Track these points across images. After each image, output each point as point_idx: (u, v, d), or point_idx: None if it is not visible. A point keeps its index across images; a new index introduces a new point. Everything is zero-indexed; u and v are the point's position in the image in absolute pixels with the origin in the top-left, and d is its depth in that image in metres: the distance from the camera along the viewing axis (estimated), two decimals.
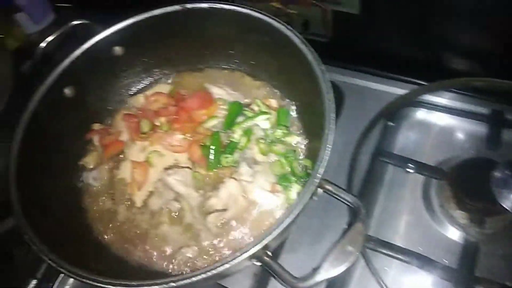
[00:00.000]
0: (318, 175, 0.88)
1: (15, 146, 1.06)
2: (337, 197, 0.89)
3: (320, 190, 0.91)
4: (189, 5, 1.21)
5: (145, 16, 1.22)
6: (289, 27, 1.11)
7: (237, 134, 1.16)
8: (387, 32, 1.35)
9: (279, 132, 1.17)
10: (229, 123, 1.20)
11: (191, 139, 1.20)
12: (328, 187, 0.90)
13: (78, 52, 1.19)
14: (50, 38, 1.25)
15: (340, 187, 0.90)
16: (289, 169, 1.12)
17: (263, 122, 1.19)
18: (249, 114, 1.20)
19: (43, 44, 1.24)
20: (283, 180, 1.10)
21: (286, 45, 1.12)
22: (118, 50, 1.26)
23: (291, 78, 1.21)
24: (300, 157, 1.16)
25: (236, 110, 1.21)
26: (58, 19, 1.89)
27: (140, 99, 1.31)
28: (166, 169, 1.16)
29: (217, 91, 1.28)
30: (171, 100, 1.26)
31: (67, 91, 1.20)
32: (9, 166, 1.03)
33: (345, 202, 0.89)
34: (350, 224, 0.84)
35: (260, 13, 1.15)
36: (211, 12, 1.21)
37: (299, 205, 0.86)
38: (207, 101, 1.24)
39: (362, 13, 1.31)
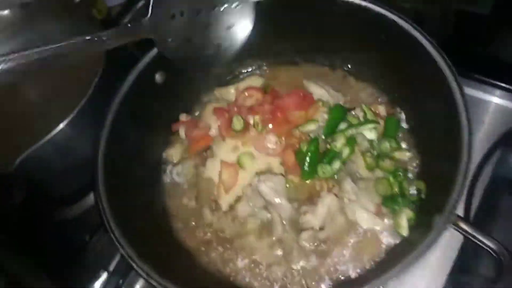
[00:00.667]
0: (453, 211, 0.74)
1: (103, 133, 0.99)
2: (476, 241, 0.75)
3: None
4: None
5: None
6: (419, 28, 0.96)
7: (339, 143, 1.03)
8: None
9: (387, 145, 1.03)
10: (331, 129, 1.07)
11: (285, 142, 1.08)
12: (465, 227, 0.76)
13: None
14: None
15: (479, 230, 0.75)
16: (398, 190, 0.98)
17: (369, 132, 1.05)
18: (354, 120, 1.07)
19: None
20: (390, 202, 0.97)
21: (410, 48, 0.97)
22: None
23: (406, 83, 1.07)
24: (410, 177, 1.02)
25: (340, 115, 1.08)
26: None
27: (231, 92, 1.20)
28: (258, 173, 1.05)
29: (317, 91, 1.14)
30: (266, 97, 1.15)
31: (158, 77, 1.11)
32: (97, 153, 0.97)
33: (486, 248, 0.75)
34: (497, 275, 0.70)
35: (383, 7, 1.01)
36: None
37: (424, 246, 0.73)
38: (306, 102, 1.11)
39: (492, 14, 1.13)
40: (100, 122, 1.00)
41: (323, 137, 1.08)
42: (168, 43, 0.98)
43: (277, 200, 1.01)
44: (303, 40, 1.20)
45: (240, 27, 1.07)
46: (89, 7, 1.53)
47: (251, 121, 1.09)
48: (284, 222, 1.00)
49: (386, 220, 0.96)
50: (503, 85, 1.17)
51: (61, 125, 1.03)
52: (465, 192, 1.02)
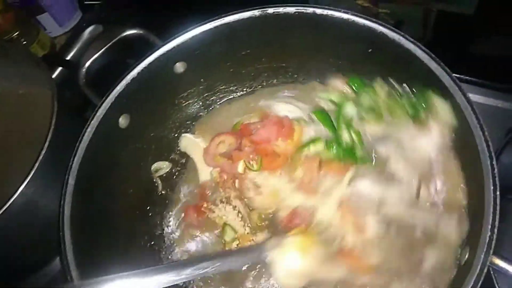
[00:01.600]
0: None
1: (67, 192, 0.84)
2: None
3: None
4: (270, 10, 0.96)
5: (215, 24, 0.97)
6: (409, 38, 0.87)
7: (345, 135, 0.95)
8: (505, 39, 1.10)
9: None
10: (335, 131, 0.97)
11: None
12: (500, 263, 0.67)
13: (134, 72, 0.95)
14: (94, 56, 1.00)
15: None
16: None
17: (350, 108, 0.97)
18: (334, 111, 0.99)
19: (86, 64, 0.99)
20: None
21: (401, 59, 0.88)
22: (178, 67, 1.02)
23: None
24: None
25: (326, 117, 0.99)
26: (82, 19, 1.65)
27: (199, 144, 1.08)
28: None
29: (283, 107, 1.05)
30: (238, 138, 1.02)
31: (122, 120, 0.97)
32: (63, 216, 0.82)
33: None
34: None
35: (367, 19, 0.90)
36: (298, 17, 0.96)
37: None
38: (284, 126, 0.99)
39: (476, 14, 1.06)
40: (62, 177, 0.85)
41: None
42: None
43: None
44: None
45: None
46: (27, 44, 1.36)
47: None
48: None
49: None
50: (489, 83, 1.11)
51: (20, 189, 0.87)
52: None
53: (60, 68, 1.42)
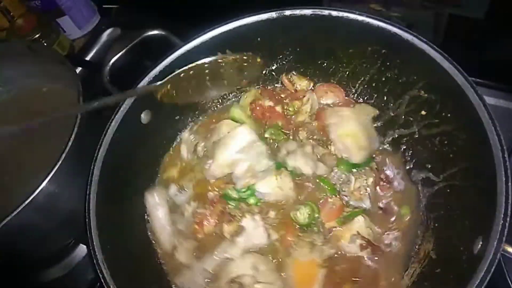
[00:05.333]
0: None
1: (93, 184, 0.88)
2: None
3: None
4: (288, 12, 1.00)
5: (235, 25, 1.01)
6: (422, 38, 0.90)
7: None
8: None
9: None
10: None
11: None
12: None
13: (156, 70, 0.99)
14: (118, 55, 1.04)
15: None
16: None
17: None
18: None
19: (110, 62, 1.03)
20: None
21: (414, 59, 0.92)
22: None
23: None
24: None
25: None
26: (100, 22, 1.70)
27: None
28: None
29: None
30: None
31: (144, 116, 1.01)
32: (89, 208, 0.86)
33: None
34: None
35: (381, 20, 0.94)
36: (314, 19, 1.00)
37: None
38: None
39: (487, 18, 1.09)
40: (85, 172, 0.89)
41: None
42: None
43: None
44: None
45: None
46: (47, 46, 1.41)
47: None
48: None
49: None
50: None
51: (43, 184, 0.90)
52: None
53: (79, 69, 1.48)
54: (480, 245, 0.72)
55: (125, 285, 0.81)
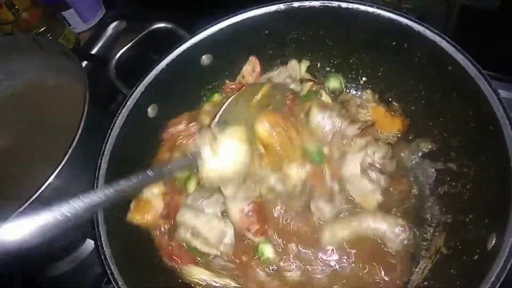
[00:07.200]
0: None
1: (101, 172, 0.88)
2: None
3: None
4: (296, 3, 0.98)
5: (243, 17, 1.00)
6: (434, 30, 0.88)
7: None
8: None
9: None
10: None
11: None
12: None
13: (163, 63, 0.98)
14: (124, 48, 1.02)
15: None
16: None
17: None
18: None
19: (116, 56, 1.02)
20: None
21: (426, 51, 0.90)
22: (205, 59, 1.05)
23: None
24: None
25: None
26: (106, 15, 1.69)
27: None
28: None
29: None
30: None
31: (150, 110, 0.99)
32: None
33: None
34: None
35: (392, 12, 0.92)
36: (323, 11, 0.98)
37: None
38: None
39: (501, 9, 1.07)
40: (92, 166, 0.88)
41: None
42: None
43: None
44: None
45: None
46: (56, 40, 1.40)
47: None
48: None
49: None
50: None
51: (50, 179, 0.90)
52: None
53: (85, 62, 1.47)
54: (494, 242, 0.70)
55: (133, 279, 0.80)
